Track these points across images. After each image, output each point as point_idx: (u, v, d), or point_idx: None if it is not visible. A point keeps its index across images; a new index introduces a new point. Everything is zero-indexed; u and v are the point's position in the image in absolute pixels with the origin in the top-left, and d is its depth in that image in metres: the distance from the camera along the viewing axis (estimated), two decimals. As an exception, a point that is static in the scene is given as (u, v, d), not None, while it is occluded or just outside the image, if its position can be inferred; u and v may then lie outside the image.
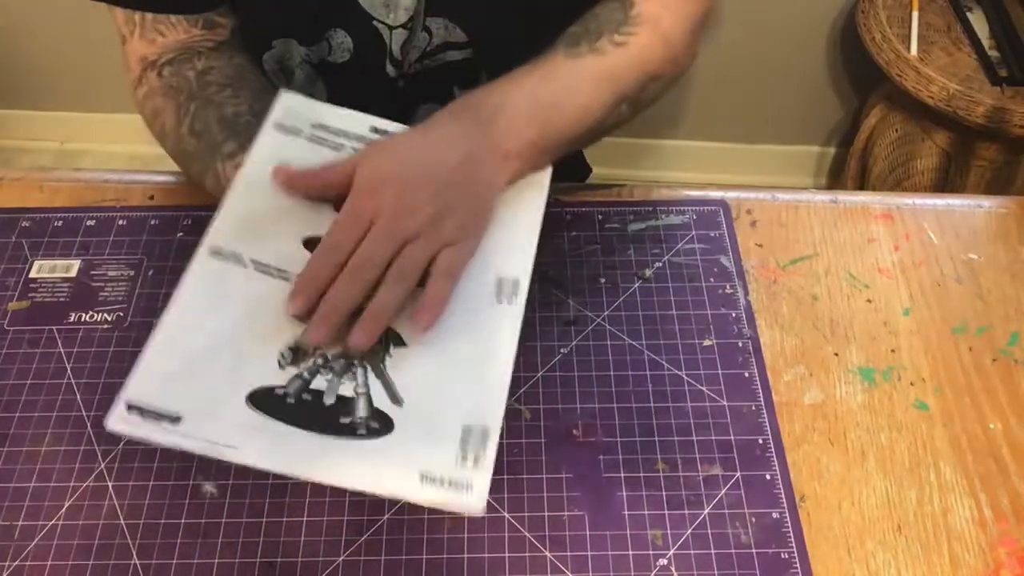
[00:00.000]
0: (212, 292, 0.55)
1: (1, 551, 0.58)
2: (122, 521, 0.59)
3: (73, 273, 0.72)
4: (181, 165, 0.73)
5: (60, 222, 0.75)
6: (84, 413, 0.64)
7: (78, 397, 0.65)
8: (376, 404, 0.53)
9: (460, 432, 0.52)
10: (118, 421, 0.50)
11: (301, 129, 0.62)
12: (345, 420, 0.52)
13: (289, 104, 0.63)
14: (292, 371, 0.53)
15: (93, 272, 0.72)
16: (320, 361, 0.53)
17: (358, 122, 0.63)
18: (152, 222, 0.74)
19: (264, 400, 0.52)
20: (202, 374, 0.52)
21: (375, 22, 0.74)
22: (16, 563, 0.57)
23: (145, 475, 0.61)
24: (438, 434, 0.52)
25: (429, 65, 0.78)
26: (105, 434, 0.62)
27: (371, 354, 0.54)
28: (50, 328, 0.68)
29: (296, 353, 0.53)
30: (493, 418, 0.52)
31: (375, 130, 0.63)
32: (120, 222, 0.75)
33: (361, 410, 0.53)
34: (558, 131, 0.63)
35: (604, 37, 0.66)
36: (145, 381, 0.51)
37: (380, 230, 0.53)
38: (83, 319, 0.69)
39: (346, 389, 0.53)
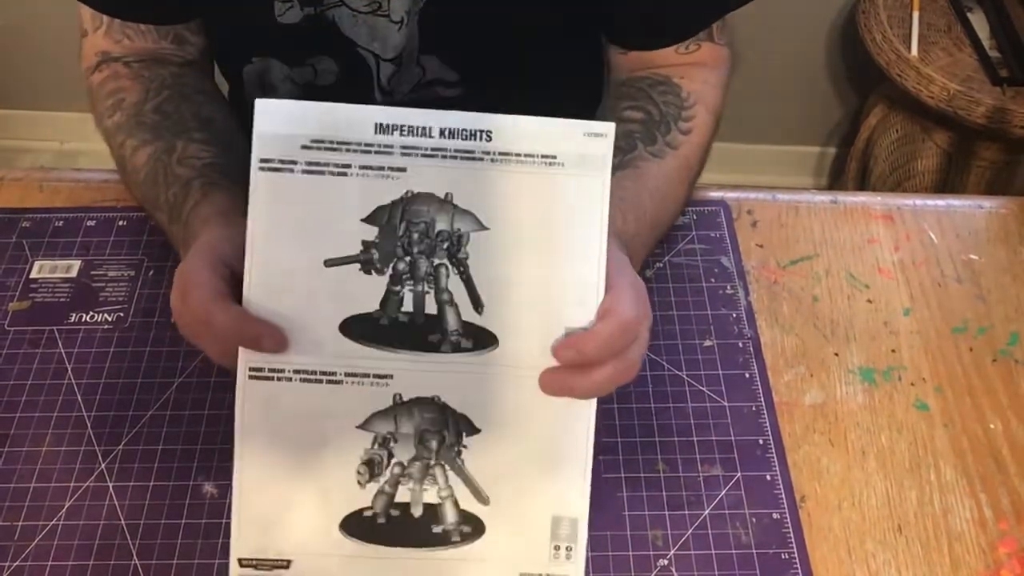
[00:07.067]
0: (267, 419, 0.53)
1: (1, 551, 0.58)
2: (122, 521, 0.59)
3: (73, 273, 0.72)
4: (116, 135, 0.69)
5: (60, 222, 0.75)
6: (84, 413, 0.64)
7: (78, 397, 0.65)
8: (463, 506, 0.53)
9: (550, 525, 0.53)
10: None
11: (294, 160, 0.53)
12: (437, 529, 0.53)
13: (267, 128, 0.52)
14: (373, 487, 0.53)
15: (93, 272, 0.72)
16: (397, 470, 0.53)
17: (358, 123, 0.55)
18: (152, 222, 0.74)
19: (357, 527, 0.53)
20: (295, 514, 0.53)
21: (360, 49, 0.73)
22: (16, 563, 0.57)
23: (145, 475, 0.61)
24: (529, 531, 0.53)
25: (422, 97, 0.78)
26: (105, 434, 0.63)
27: (445, 451, 0.53)
28: (50, 328, 0.68)
29: (371, 467, 0.53)
30: (580, 507, 0.53)
31: (380, 128, 0.54)
32: (120, 222, 0.75)
33: (450, 516, 0.53)
34: (653, 230, 0.65)
35: (672, 127, 0.69)
36: (247, 535, 0.53)
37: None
38: (83, 319, 0.69)
39: (430, 496, 0.53)
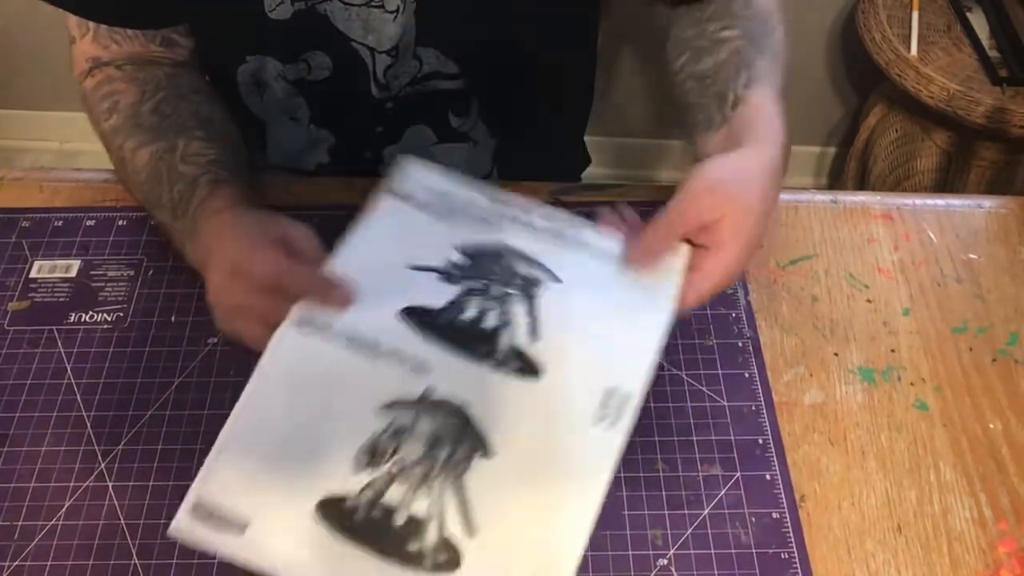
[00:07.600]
0: (293, 370, 0.52)
1: (1, 551, 0.58)
2: (122, 521, 0.59)
3: (73, 273, 0.72)
4: (115, 137, 0.69)
5: (60, 222, 0.75)
6: (84, 413, 0.64)
7: (78, 397, 0.65)
8: (448, 531, 0.50)
9: None
10: (184, 523, 0.49)
11: (414, 197, 0.62)
12: (412, 548, 0.50)
13: (409, 173, 0.63)
14: (365, 477, 0.51)
15: (93, 272, 0.72)
16: (395, 469, 0.51)
17: (476, 192, 0.63)
18: (152, 222, 0.74)
19: (332, 513, 0.50)
20: (274, 473, 0.51)
21: (354, 43, 0.73)
22: (16, 563, 0.57)
23: (145, 475, 0.61)
24: None
25: (420, 90, 0.78)
26: (105, 434, 0.63)
27: (452, 464, 0.51)
28: (50, 328, 0.68)
29: (373, 455, 0.51)
30: (567, 570, 0.50)
31: (494, 199, 0.62)
32: (120, 222, 0.75)
33: (431, 538, 0.50)
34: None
35: (771, 33, 0.77)
36: (217, 478, 0.50)
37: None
38: (83, 319, 0.69)
39: (419, 507, 0.50)
